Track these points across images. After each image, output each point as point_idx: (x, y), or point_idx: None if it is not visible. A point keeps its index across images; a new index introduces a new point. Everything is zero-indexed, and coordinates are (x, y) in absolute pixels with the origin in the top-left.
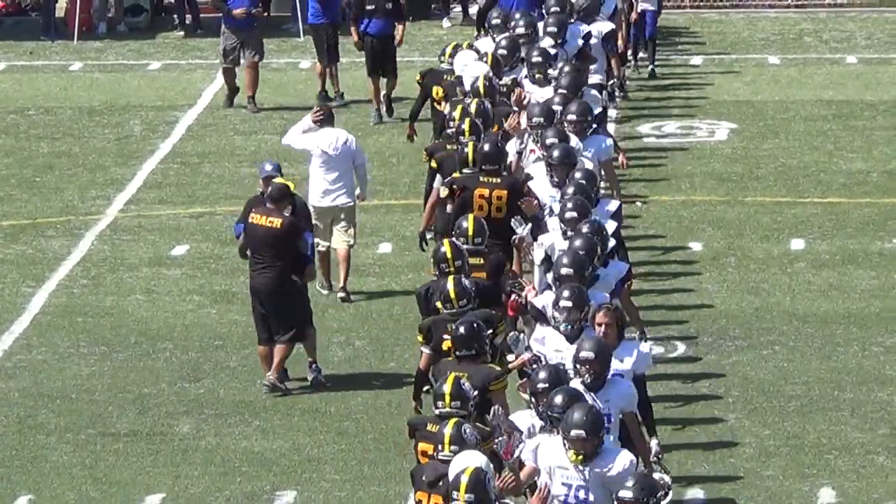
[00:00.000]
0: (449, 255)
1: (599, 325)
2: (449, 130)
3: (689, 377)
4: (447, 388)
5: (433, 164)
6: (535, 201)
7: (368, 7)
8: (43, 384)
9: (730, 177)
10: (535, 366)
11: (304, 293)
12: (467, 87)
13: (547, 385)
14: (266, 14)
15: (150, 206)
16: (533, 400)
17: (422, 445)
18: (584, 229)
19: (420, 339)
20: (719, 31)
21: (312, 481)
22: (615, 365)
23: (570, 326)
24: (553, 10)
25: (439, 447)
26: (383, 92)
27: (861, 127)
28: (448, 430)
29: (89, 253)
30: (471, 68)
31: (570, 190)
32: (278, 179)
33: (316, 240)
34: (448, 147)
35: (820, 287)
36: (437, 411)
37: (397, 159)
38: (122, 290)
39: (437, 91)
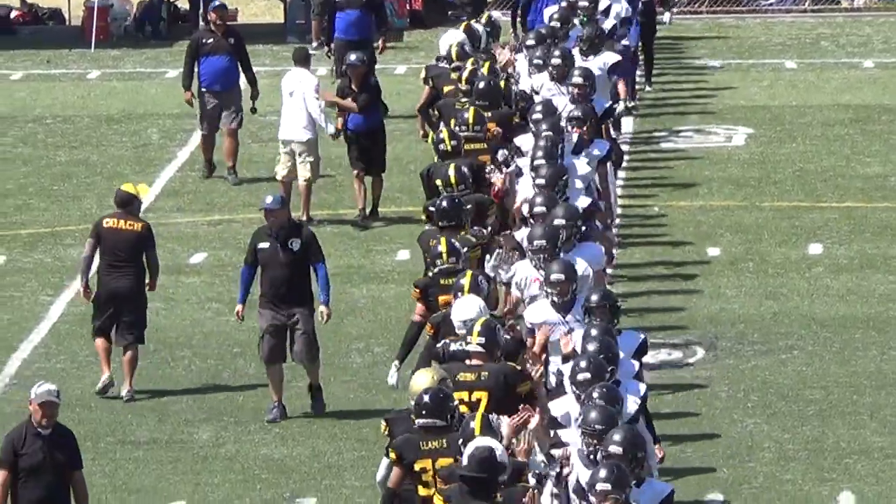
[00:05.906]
0: (445, 137)
1: None
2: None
3: (708, 382)
4: (442, 248)
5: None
6: (544, 356)
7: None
8: (62, 392)
9: (747, 182)
10: None
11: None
12: (442, 53)
13: None
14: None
15: (169, 214)
16: None
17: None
18: (595, 395)
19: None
20: (736, 35)
21: (332, 488)
22: None
23: None
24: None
25: (459, 295)
26: (369, 193)
27: (879, 131)
28: (466, 280)
29: None
30: (446, 36)
31: (591, 347)
32: (126, 186)
33: (277, 168)
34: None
35: (838, 291)
36: (436, 269)
37: (415, 166)
38: None
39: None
